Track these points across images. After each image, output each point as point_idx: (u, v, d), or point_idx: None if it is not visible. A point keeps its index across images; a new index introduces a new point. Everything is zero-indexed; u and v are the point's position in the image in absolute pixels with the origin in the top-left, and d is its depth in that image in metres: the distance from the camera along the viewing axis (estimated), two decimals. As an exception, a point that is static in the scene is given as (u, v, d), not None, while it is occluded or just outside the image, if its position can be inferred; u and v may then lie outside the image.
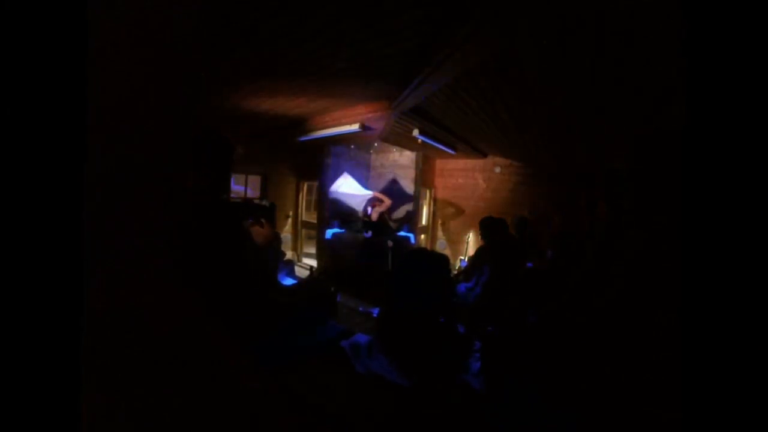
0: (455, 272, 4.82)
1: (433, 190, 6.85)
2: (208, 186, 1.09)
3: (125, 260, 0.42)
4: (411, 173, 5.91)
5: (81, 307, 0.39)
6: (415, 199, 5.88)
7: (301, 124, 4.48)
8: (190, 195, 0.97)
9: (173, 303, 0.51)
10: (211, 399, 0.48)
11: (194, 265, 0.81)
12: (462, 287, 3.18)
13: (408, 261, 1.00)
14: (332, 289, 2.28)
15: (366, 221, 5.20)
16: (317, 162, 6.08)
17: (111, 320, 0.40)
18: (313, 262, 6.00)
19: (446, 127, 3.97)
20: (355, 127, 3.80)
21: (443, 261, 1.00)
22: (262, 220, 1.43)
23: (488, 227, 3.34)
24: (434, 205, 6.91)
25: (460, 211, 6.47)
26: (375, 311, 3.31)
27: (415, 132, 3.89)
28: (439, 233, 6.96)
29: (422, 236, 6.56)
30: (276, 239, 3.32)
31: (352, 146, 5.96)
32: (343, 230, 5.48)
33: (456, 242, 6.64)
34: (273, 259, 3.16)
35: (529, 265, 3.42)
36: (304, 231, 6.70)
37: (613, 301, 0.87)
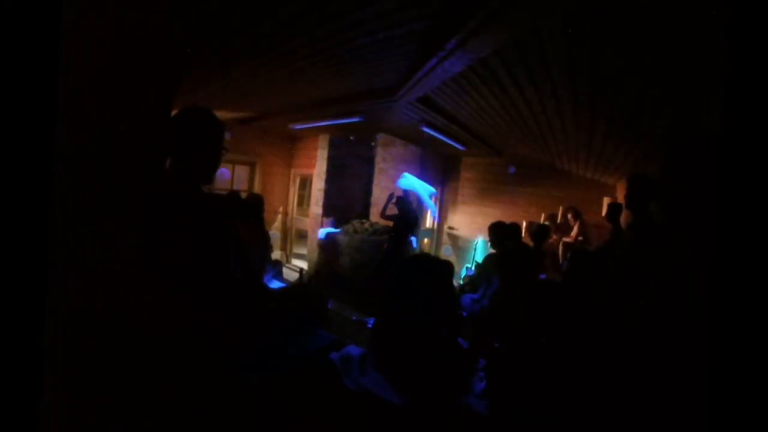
0: (460, 281, 4.84)
1: (439, 190, 6.88)
2: (192, 173, 1.06)
3: (125, 260, 0.45)
4: (415, 169, 5.94)
5: (44, 307, 0.42)
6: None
7: (296, 111, 4.49)
8: (171, 183, 0.97)
9: (173, 303, 0.53)
10: (211, 399, 0.51)
11: (173, 265, 0.82)
12: (467, 298, 3.19)
13: (408, 267, 1.01)
14: (324, 294, 2.29)
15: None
16: (312, 153, 6.11)
17: (111, 320, 0.43)
18: (304, 264, 6.03)
19: (457, 121, 3.98)
20: (356, 116, 3.81)
21: (447, 268, 1.01)
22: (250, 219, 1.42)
23: (499, 233, 3.36)
24: (440, 205, 6.94)
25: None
26: (370, 321, 3.32)
27: (422, 125, 3.92)
28: (445, 237, 6.98)
29: (425, 240, 6.58)
30: (264, 237, 3.33)
31: (352, 138, 5.97)
32: (338, 230, 5.50)
33: (463, 248, 6.66)
34: (259, 259, 3.18)
35: (543, 276, 3.44)
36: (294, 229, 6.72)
37: (616, 303, 0.90)
